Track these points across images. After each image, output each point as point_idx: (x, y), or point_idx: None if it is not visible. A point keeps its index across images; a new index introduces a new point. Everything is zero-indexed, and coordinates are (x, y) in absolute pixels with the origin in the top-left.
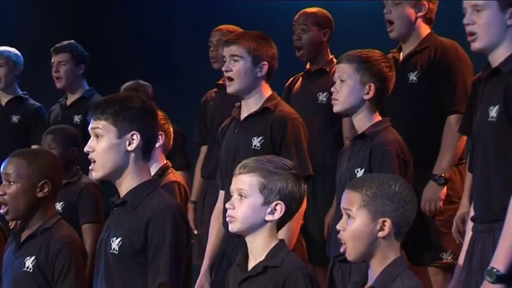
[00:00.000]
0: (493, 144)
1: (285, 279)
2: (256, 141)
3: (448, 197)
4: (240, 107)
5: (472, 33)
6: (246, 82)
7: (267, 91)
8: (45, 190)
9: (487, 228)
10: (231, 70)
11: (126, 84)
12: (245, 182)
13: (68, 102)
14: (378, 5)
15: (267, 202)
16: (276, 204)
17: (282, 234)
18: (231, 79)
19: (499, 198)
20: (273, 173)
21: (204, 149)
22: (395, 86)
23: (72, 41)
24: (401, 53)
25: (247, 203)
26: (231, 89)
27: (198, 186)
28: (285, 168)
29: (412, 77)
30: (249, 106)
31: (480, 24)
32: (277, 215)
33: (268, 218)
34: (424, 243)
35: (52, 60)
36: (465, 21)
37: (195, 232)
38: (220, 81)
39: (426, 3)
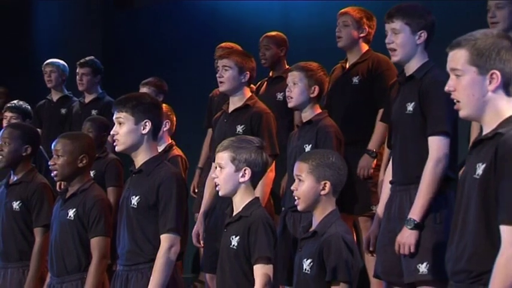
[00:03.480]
0: (410, 131)
1: (250, 226)
2: (239, 128)
3: (378, 166)
4: (228, 103)
5: (392, 49)
6: (233, 85)
7: (248, 92)
8: (84, 162)
9: (404, 189)
10: (223, 77)
11: (150, 78)
12: (222, 157)
13: (86, 101)
14: (332, 28)
15: (238, 169)
16: (245, 170)
17: (258, 194)
18: (222, 82)
19: (415, 169)
20: (239, 148)
21: (210, 130)
22: (343, 86)
23: (92, 57)
24: (347, 63)
25: (224, 172)
26: (222, 88)
27: (204, 156)
28: (250, 142)
29: (355, 80)
30: (235, 103)
31: (397, 43)
32: (247, 177)
33: (241, 180)
34: (360, 199)
35: (77, 71)
36: (386, 40)
37: (196, 190)
38: None
39: (367, 28)
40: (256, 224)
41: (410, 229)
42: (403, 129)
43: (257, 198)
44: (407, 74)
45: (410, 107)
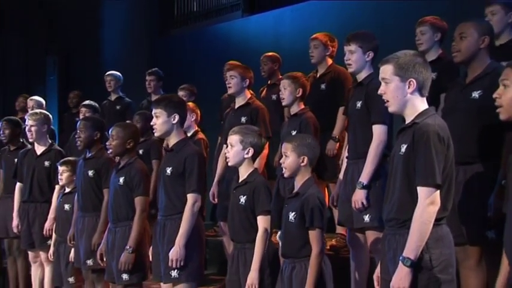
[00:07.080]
0: (359, 121)
1: (254, 188)
2: (243, 119)
3: (341, 146)
4: (235, 102)
5: (349, 64)
6: (238, 89)
7: (248, 94)
8: (131, 144)
9: (355, 162)
10: (230, 83)
11: (185, 85)
12: (233, 138)
13: (153, 100)
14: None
15: (244, 148)
16: (249, 149)
17: (256, 165)
18: (230, 87)
19: (361, 147)
20: (246, 133)
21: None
22: (314, 91)
23: (157, 68)
24: (317, 73)
25: (234, 149)
26: (230, 91)
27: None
28: (253, 130)
29: (322, 86)
30: (239, 101)
31: (352, 60)
32: (250, 154)
33: (245, 156)
34: (329, 170)
35: (146, 78)
36: (345, 58)
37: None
38: None
39: (330, 48)
40: (259, 187)
41: (360, 189)
42: (354, 120)
43: (256, 169)
44: (358, 81)
45: (359, 104)
